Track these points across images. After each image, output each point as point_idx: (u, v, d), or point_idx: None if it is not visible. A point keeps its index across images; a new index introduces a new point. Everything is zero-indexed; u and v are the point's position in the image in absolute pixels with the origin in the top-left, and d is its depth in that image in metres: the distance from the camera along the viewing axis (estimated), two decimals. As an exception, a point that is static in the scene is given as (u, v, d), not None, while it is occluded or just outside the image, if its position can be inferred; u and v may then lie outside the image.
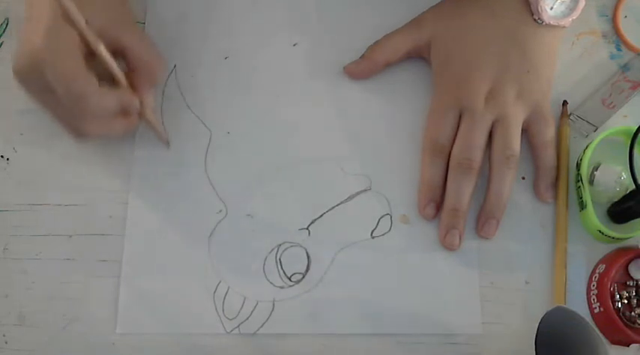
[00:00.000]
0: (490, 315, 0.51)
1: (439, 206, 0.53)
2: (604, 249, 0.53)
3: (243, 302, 0.51)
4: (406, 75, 0.57)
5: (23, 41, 0.47)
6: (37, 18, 0.47)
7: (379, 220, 0.53)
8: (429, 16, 0.56)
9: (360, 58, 0.56)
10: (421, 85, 0.57)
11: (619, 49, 0.58)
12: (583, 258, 0.53)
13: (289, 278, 0.52)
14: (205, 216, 0.53)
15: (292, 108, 0.56)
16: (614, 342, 0.50)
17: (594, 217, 0.51)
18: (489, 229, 0.52)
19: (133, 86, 0.51)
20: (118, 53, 0.50)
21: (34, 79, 0.46)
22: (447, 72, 0.55)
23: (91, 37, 0.47)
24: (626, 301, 0.50)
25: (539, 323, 0.43)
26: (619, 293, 0.50)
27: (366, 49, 0.56)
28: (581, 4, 0.53)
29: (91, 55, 0.48)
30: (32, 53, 0.46)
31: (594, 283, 0.51)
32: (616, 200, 0.52)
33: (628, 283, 0.51)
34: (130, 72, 0.51)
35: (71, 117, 0.48)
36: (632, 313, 0.50)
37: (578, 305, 0.51)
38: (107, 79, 0.49)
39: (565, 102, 0.56)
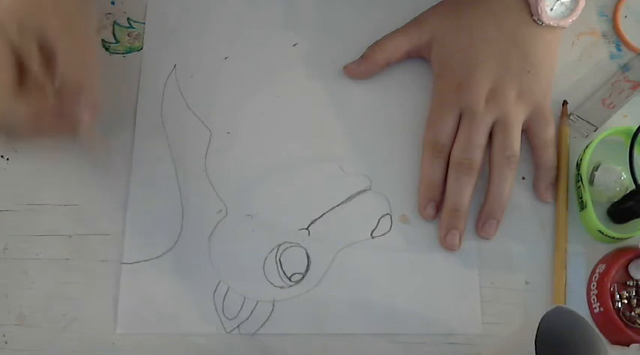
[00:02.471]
0: (490, 315, 0.51)
1: (439, 206, 0.53)
2: (604, 249, 0.53)
3: (243, 303, 0.51)
4: (406, 75, 0.57)
5: None
6: None
7: (379, 220, 0.53)
8: (430, 16, 0.56)
9: (360, 58, 0.56)
10: (421, 85, 0.57)
11: (619, 49, 0.58)
12: (583, 258, 0.53)
13: (289, 279, 0.52)
14: (205, 216, 0.53)
15: (292, 108, 0.56)
16: (614, 342, 0.50)
17: (594, 217, 0.51)
18: (489, 229, 0.52)
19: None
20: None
21: None
22: (447, 72, 0.55)
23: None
24: (626, 301, 0.50)
25: (539, 323, 0.43)
26: (619, 293, 0.50)
27: (366, 49, 0.56)
28: (581, 4, 0.53)
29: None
30: None
31: (594, 283, 0.51)
32: (616, 200, 0.52)
33: (628, 283, 0.51)
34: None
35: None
36: (632, 313, 0.50)
37: (578, 305, 0.51)
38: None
39: (565, 102, 0.56)
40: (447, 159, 0.53)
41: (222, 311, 0.51)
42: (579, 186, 0.53)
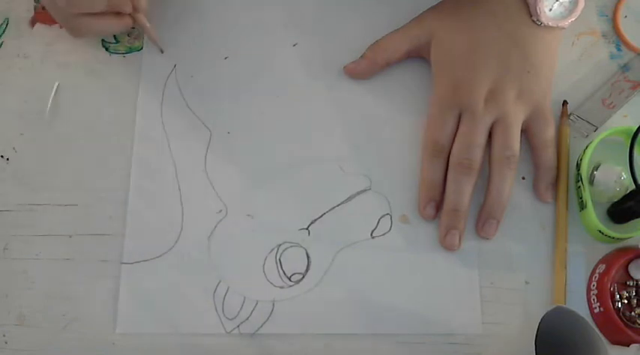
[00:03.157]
0: (490, 315, 0.51)
1: (439, 206, 0.53)
2: (604, 249, 0.53)
3: (243, 302, 0.51)
4: (406, 75, 0.57)
5: None
6: None
7: (379, 220, 0.53)
8: (429, 16, 0.56)
9: (360, 57, 0.56)
10: (421, 85, 0.57)
11: (619, 49, 0.58)
12: (583, 258, 0.53)
13: (289, 279, 0.52)
14: (205, 216, 0.53)
15: (292, 108, 0.56)
16: (614, 342, 0.50)
17: (594, 217, 0.51)
18: (489, 229, 0.52)
19: None
20: None
21: None
22: (447, 72, 0.55)
23: None
24: (626, 301, 0.50)
25: (539, 323, 0.43)
26: (619, 293, 0.50)
27: (366, 49, 0.56)
28: (580, 5, 0.53)
29: None
30: None
31: (594, 283, 0.51)
32: (616, 200, 0.52)
33: (628, 283, 0.51)
34: None
35: (66, 17, 0.53)
36: (632, 313, 0.50)
37: (578, 305, 0.51)
38: None
39: (565, 102, 0.56)
40: (446, 159, 0.53)
41: (222, 311, 0.51)
42: (579, 186, 0.53)
